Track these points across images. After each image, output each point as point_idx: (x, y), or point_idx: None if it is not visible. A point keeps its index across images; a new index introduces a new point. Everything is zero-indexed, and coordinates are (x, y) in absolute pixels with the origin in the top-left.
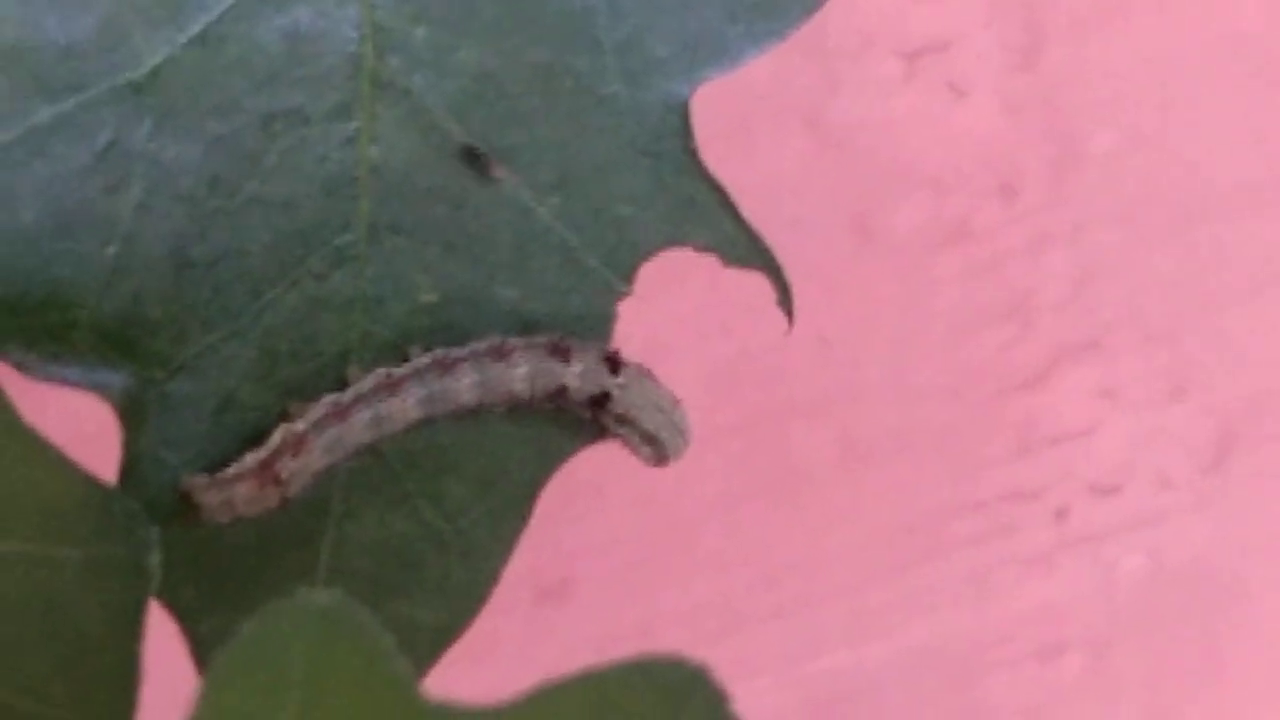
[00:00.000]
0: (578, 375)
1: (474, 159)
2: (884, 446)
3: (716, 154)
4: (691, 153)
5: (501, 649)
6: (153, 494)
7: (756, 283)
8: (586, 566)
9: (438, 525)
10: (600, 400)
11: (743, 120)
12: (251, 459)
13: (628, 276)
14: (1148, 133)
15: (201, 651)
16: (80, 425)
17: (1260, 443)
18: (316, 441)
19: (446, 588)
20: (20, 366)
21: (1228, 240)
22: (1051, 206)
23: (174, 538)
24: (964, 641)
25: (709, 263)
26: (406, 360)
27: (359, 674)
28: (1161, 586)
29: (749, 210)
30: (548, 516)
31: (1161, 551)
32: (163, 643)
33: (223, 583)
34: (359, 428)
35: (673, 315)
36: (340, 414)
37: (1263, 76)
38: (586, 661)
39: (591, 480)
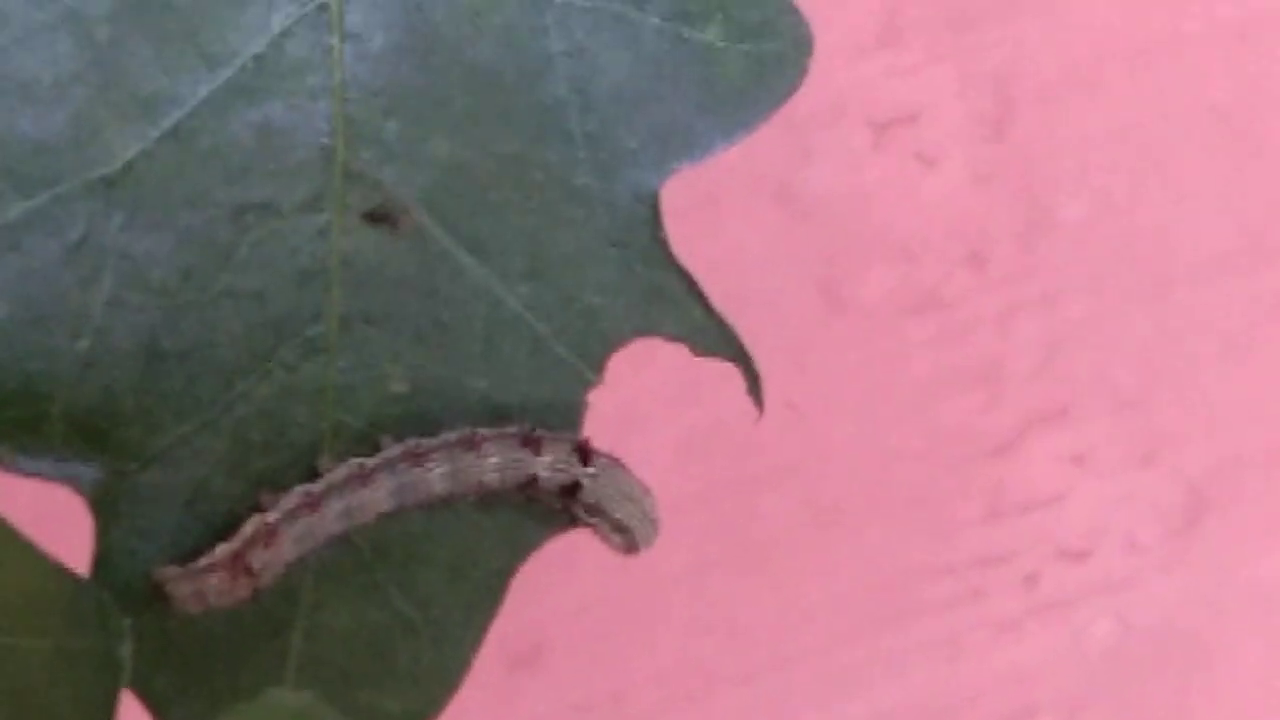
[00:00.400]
0: (548, 465)
1: (381, 218)
2: (854, 511)
3: (687, 223)
4: (661, 242)
5: (473, 717)
6: (125, 584)
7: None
8: (558, 633)
9: (409, 614)
10: (571, 490)
11: (712, 189)
12: (223, 550)
13: (597, 366)
14: (1117, 201)
15: None
16: (51, 513)
17: (1228, 506)
18: (288, 532)
19: (418, 675)
20: None
21: (1197, 307)
22: (1021, 275)
23: (145, 627)
24: (935, 705)
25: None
26: (378, 450)
27: None
28: (1131, 650)
29: (719, 279)
30: (519, 584)
31: (1131, 615)
32: None
33: (195, 672)
34: (331, 518)
35: (642, 384)
36: (312, 504)
37: (1231, 146)
38: None
39: (562, 548)
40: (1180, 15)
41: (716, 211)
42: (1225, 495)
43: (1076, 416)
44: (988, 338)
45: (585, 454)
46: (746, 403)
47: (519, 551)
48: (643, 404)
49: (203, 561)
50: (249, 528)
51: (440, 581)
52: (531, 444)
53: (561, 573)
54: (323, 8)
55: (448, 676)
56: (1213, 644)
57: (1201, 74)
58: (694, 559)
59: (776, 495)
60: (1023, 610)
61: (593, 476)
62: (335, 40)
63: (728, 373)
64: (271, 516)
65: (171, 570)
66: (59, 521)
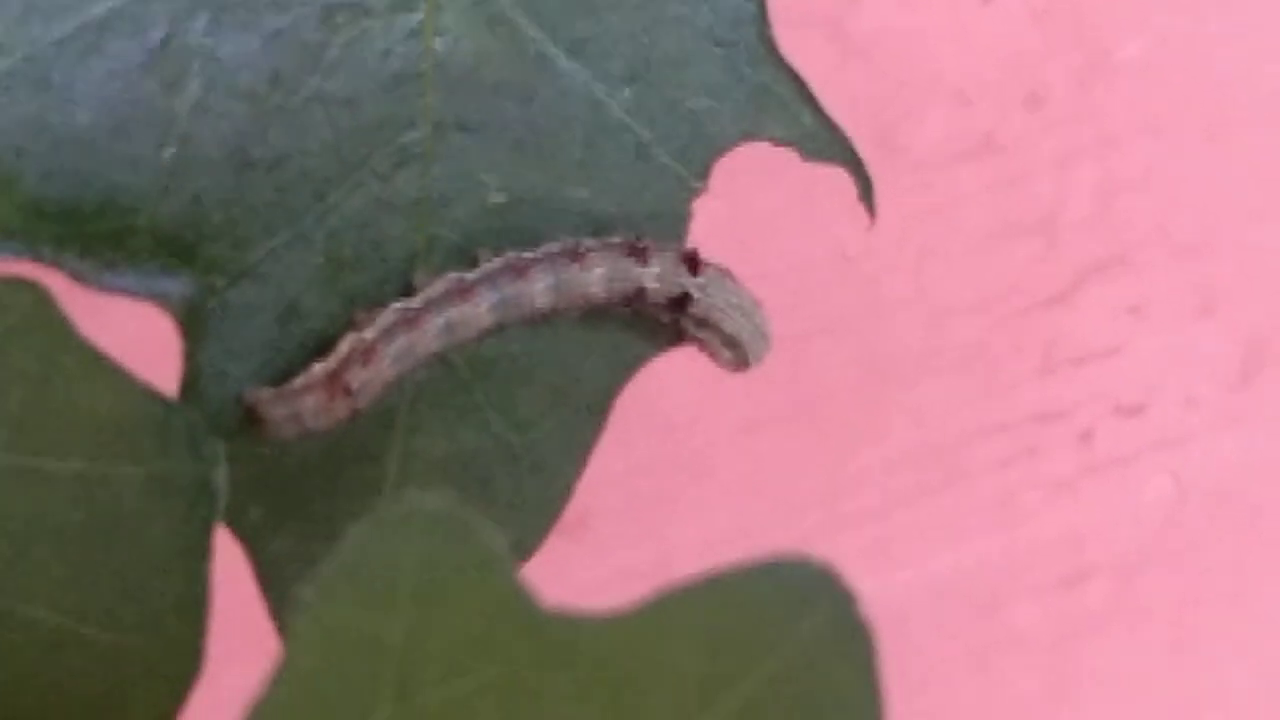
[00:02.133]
0: (656, 276)
1: None
2: (907, 367)
3: None
4: (768, 41)
5: None
6: (215, 409)
7: (776, 200)
8: (604, 500)
9: (508, 438)
10: (680, 302)
11: None
12: (320, 369)
13: (702, 173)
14: (1176, 41)
15: (268, 574)
16: (139, 338)
17: None
18: (386, 350)
19: (518, 503)
20: (76, 275)
21: (1258, 153)
22: (1078, 118)
23: (236, 455)
24: (990, 568)
25: (725, 179)
26: (475, 265)
27: (473, 583)
28: (1187, 509)
29: None
30: None
31: (1187, 473)
32: (226, 567)
33: (288, 502)
34: (430, 335)
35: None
36: (410, 321)
37: None
38: (605, 598)
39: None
40: None
41: None
42: None
43: (1133, 266)
44: (1044, 184)
45: (694, 264)
46: (798, 254)
47: (624, 370)
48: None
49: (298, 382)
50: (345, 345)
51: (542, 403)
52: (638, 254)
53: (606, 439)
54: None
55: (549, 505)
56: (1269, 502)
57: None
58: (742, 418)
59: (828, 350)
60: (1078, 469)
61: (702, 287)
62: None
63: (779, 220)
64: (369, 334)
65: (265, 392)
66: (148, 345)
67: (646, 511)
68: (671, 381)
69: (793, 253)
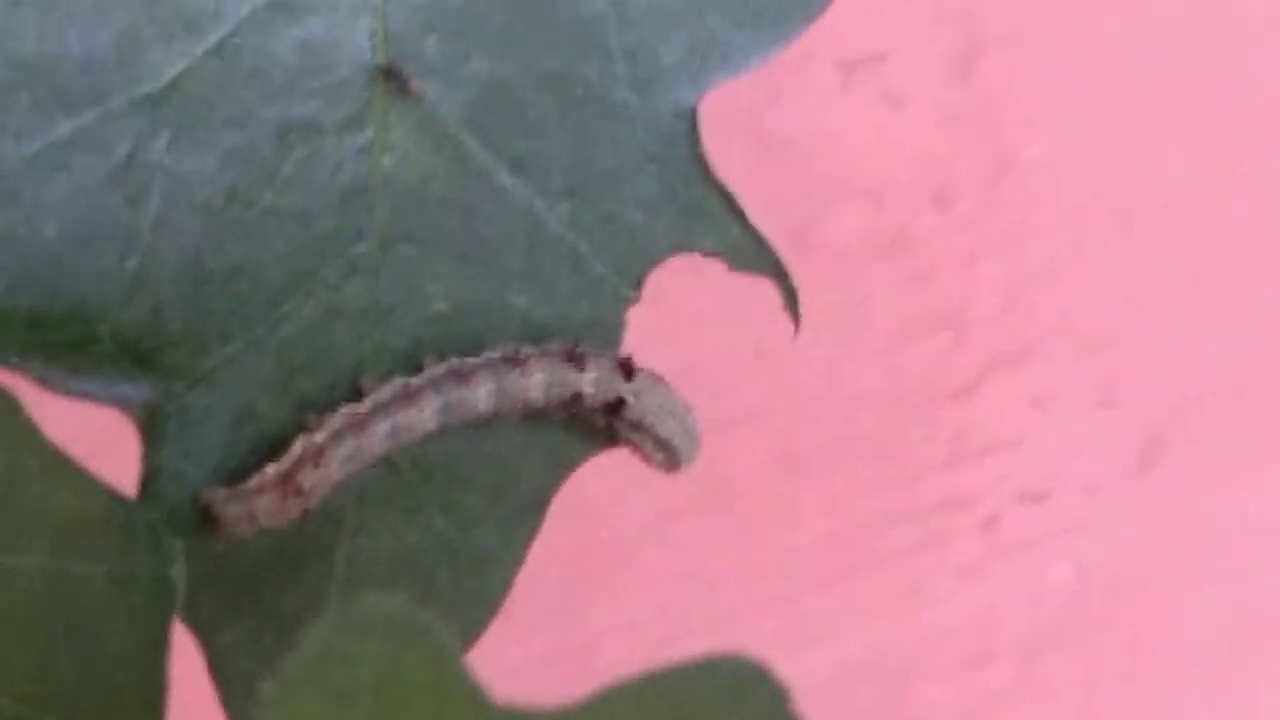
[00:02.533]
0: (593, 382)
1: (392, 76)
2: (820, 456)
3: None
4: (699, 158)
5: None
6: (173, 507)
7: (695, 296)
8: (528, 584)
9: (450, 535)
10: (615, 407)
11: None
12: (273, 471)
13: (636, 284)
14: (1081, 142)
15: (221, 665)
16: (98, 439)
17: (1183, 448)
18: (336, 452)
19: (459, 599)
20: (42, 381)
21: (1158, 247)
22: (985, 216)
23: (191, 552)
24: (897, 651)
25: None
26: (420, 370)
27: (429, 679)
28: (1088, 593)
29: None
30: None
31: (1088, 557)
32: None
33: (240, 597)
34: (377, 438)
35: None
36: (358, 425)
37: (1193, 86)
38: (532, 678)
39: None
40: None
41: None
42: (1181, 437)
43: (1037, 359)
44: (952, 280)
45: (628, 370)
46: (716, 346)
47: (560, 470)
48: None
49: (252, 482)
50: (297, 448)
51: (482, 502)
52: (575, 360)
53: None
54: None
55: (489, 599)
56: (1167, 585)
57: (1165, 15)
58: (661, 505)
59: (744, 440)
60: (983, 553)
61: (636, 393)
62: None
63: (698, 316)
64: (319, 436)
65: (220, 492)
66: (106, 446)
67: (569, 595)
68: (592, 470)
69: (710, 347)
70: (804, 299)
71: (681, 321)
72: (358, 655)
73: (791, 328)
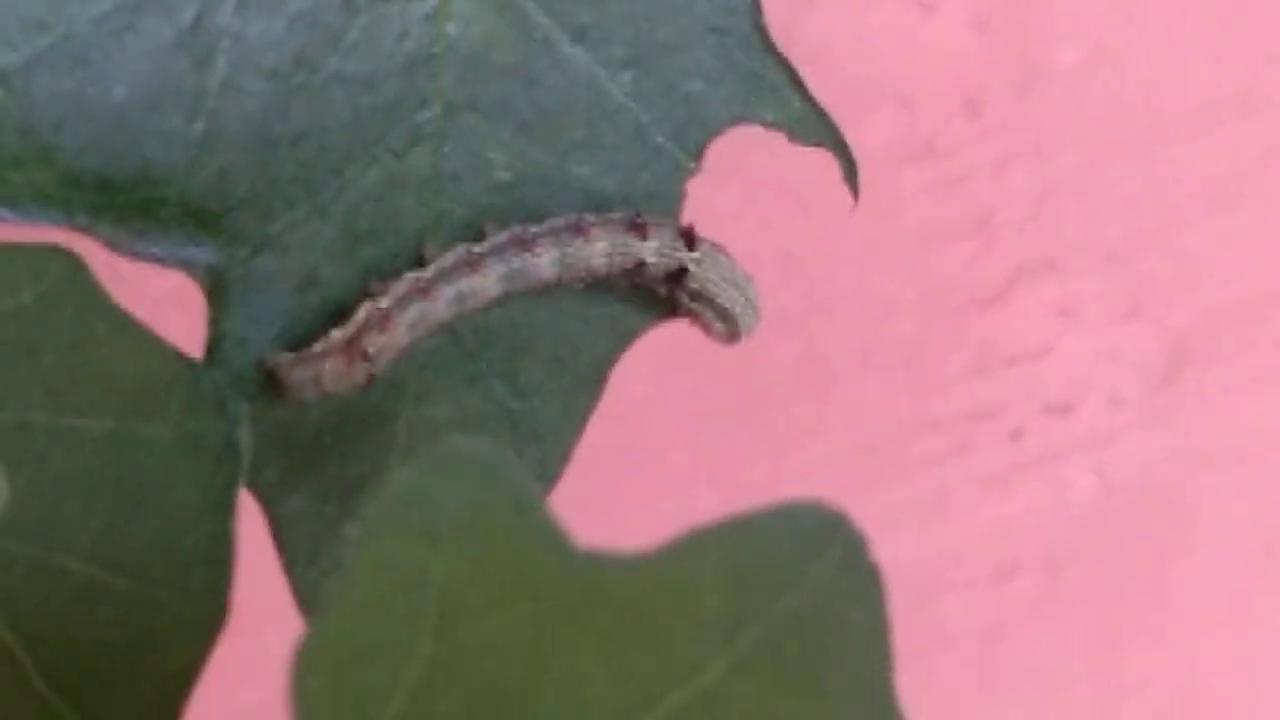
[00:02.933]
0: (655, 250)
1: None
2: (848, 363)
3: None
4: (761, 29)
5: None
6: (238, 372)
7: (725, 202)
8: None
9: (511, 404)
10: (677, 275)
11: None
12: (339, 335)
13: (696, 154)
14: (1111, 50)
15: (282, 531)
16: (168, 302)
17: (1209, 361)
18: (400, 318)
19: None
20: (110, 243)
21: (1186, 160)
22: (1015, 124)
23: (255, 417)
24: (922, 561)
25: None
26: (481, 238)
27: (510, 522)
28: (1112, 505)
29: None
30: None
31: (1112, 470)
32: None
33: (302, 463)
34: (442, 304)
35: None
36: (423, 291)
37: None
38: None
39: None
40: None
41: None
42: (1206, 350)
43: (1064, 269)
44: (980, 188)
45: (690, 239)
46: (747, 248)
47: (620, 340)
48: None
49: (317, 347)
50: (362, 313)
51: (542, 371)
52: (637, 229)
53: None
54: None
55: (548, 468)
56: (1191, 499)
57: None
58: (689, 410)
59: (774, 346)
60: (1008, 465)
61: (698, 261)
62: None
63: (726, 219)
64: (384, 302)
65: (286, 356)
66: (175, 308)
67: (596, 497)
68: (622, 374)
69: (739, 252)
70: (832, 204)
71: (709, 225)
72: (442, 496)
73: (818, 231)
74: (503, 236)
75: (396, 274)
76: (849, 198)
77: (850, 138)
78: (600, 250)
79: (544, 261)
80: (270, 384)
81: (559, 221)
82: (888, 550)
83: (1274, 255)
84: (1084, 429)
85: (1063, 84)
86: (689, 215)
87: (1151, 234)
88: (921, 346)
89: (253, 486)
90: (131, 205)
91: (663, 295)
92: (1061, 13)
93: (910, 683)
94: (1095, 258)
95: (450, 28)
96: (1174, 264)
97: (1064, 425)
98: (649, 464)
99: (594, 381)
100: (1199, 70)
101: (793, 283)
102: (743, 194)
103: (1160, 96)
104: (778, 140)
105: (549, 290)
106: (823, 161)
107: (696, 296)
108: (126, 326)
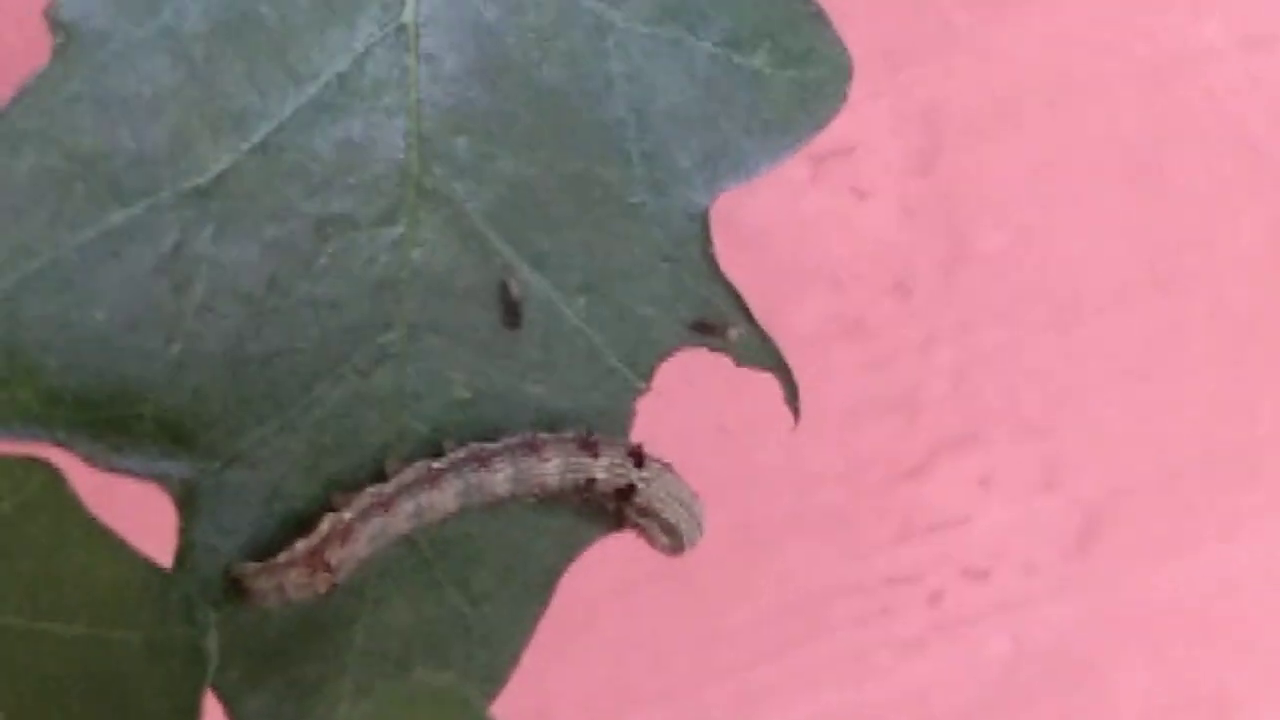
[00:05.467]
0: (605, 468)
1: (508, 307)
2: (776, 531)
3: None
4: (710, 258)
5: None
6: (205, 579)
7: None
8: None
9: (463, 611)
10: (626, 492)
11: None
12: (302, 546)
13: (647, 375)
14: (1033, 234)
15: None
16: (137, 509)
17: (1119, 530)
18: (363, 530)
19: (469, 671)
20: (87, 457)
21: (1099, 337)
22: (941, 304)
23: (220, 622)
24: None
25: None
26: (440, 454)
27: None
28: (1025, 668)
29: None
30: None
31: (1026, 634)
32: None
33: (264, 665)
34: (401, 518)
35: None
36: (384, 505)
37: (1140, 182)
38: None
39: None
40: (1099, 57)
41: None
42: (1117, 520)
43: (985, 441)
44: (907, 364)
45: (639, 458)
46: (680, 424)
47: (570, 551)
48: None
49: (282, 557)
50: (325, 525)
51: (495, 580)
52: (589, 448)
53: None
54: (401, 30)
55: (497, 672)
56: (1102, 663)
57: (1116, 113)
58: (621, 578)
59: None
60: (927, 628)
61: (646, 480)
62: (412, 61)
63: (663, 394)
64: (347, 515)
65: (252, 566)
66: (144, 517)
67: (528, 660)
68: None
69: (674, 423)
70: (766, 380)
71: (647, 399)
72: None
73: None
74: (461, 453)
75: (359, 487)
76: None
77: (785, 317)
78: (553, 468)
79: (500, 478)
80: (236, 591)
81: (514, 439)
82: (810, 708)
83: (1184, 429)
84: (1000, 594)
85: (988, 265)
86: None
87: (1068, 408)
88: (847, 514)
89: (216, 686)
90: (109, 421)
91: (611, 509)
92: (987, 199)
93: None
94: (1014, 431)
95: (415, 254)
96: (1088, 437)
97: (981, 590)
98: (580, 629)
99: (543, 589)
100: (1113, 255)
101: (724, 454)
102: (680, 373)
103: (1079, 277)
104: None
105: (504, 504)
106: None
107: (644, 512)
108: (101, 536)
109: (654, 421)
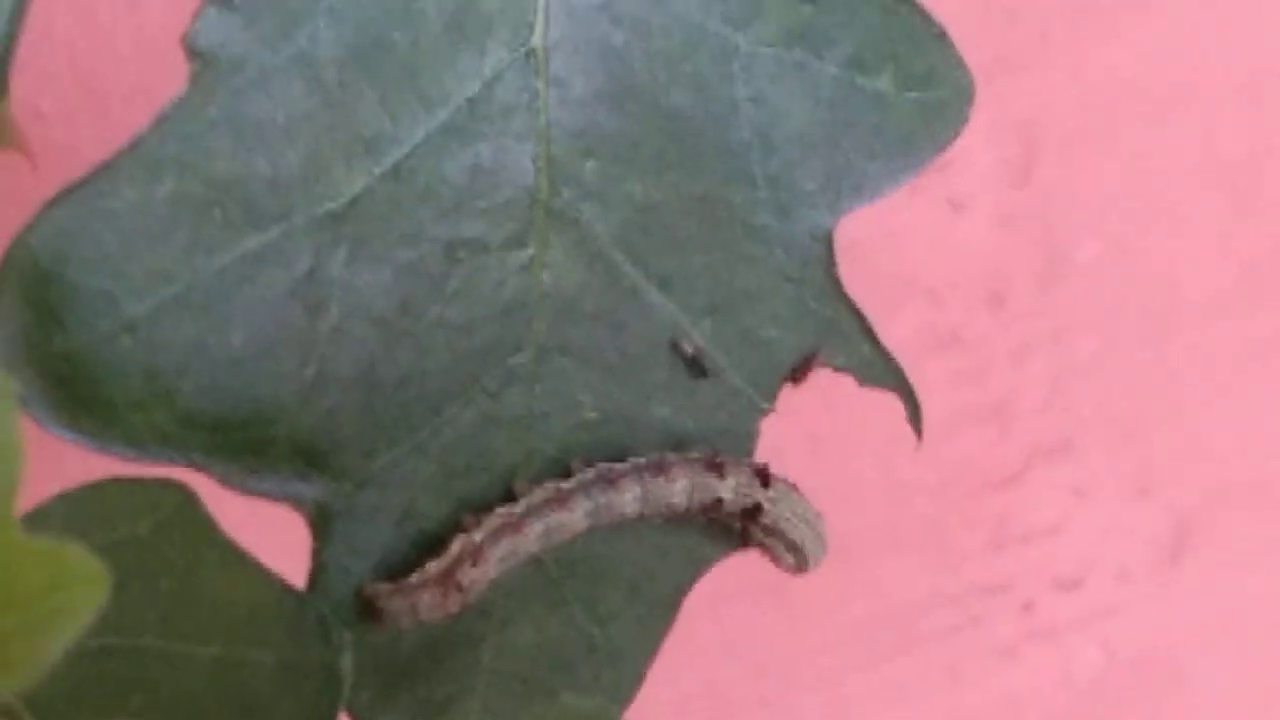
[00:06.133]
0: (732, 489)
1: (691, 362)
2: (869, 541)
3: None
4: (834, 279)
5: None
6: (338, 600)
7: None
8: None
9: (590, 630)
10: (752, 512)
11: None
12: (434, 568)
13: (771, 395)
14: (1128, 245)
15: None
16: (271, 530)
17: (1211, 539)
18: (493, 551)
19: (595, 689)
20: (222, 479)
21: (1195, 347)
22: (1035, 314)
23: (352, 643)
24: None
25: None
26: (568, 474)
27: None
28: (1116, 677)
29: None
30: None
31: (1117, 643)
32: None
33: (395, 685)
34: (531, 539)
35: None
36: (514, 525)
37: (1234, 195)
38: None
39: None
40: (1195, 70)
41: None
42: (1209, 529)
43: (1078, 450)
44: (1001, 375)
45: (765, 478)
46: (773, 433)
47: (695, 569)
48: None
49: (415, 578)
50: (456, 546)
51: (621, 599)
52: (716, 468)
53: None
54: (530, 54)
55: (622, 690)
56: (1193, 672)
57: (1211, 126)
58: (718, 588)
59: None
60: (1019, 637)
61: (773, 500)
62: (541, 85)
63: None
64: (477, 536)
65: (384, 586)
66: (279, 539)
67: None
68: None
69: (769, 435)
70: (859, 390)
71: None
72: None
73: (844, 418)
74: (589, 474)
75: (489, 508)
76: (871, 392)
77: (880, 329)
78: (680, 489)
79: (627, 498)
80: (368, 612)
81: (642, 460)
82: (902, 717)
83: (1276, 438)
84: (1092, 603)
85: (1082, 276)
86: None
87: (1160, 417)
88: (939, 525)
89: (350, 707)
90: (244, 444)
91: (736, 528)
92: (1083, 211)
93: None
94: (1108, 439)
95: (545, 277)
96: (1181, 446)
97: (1073, 599)
98: (675, 639)
99: (668, 608)
100: (1210, 264)
101: (817, 465)
102: None
103: (1173, 288)
104: None
105: (630, 524)
106: None
107: (769, 531)
108: (235, 557)
109: None
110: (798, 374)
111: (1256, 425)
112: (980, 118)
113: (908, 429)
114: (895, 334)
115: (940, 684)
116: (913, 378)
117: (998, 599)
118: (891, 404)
